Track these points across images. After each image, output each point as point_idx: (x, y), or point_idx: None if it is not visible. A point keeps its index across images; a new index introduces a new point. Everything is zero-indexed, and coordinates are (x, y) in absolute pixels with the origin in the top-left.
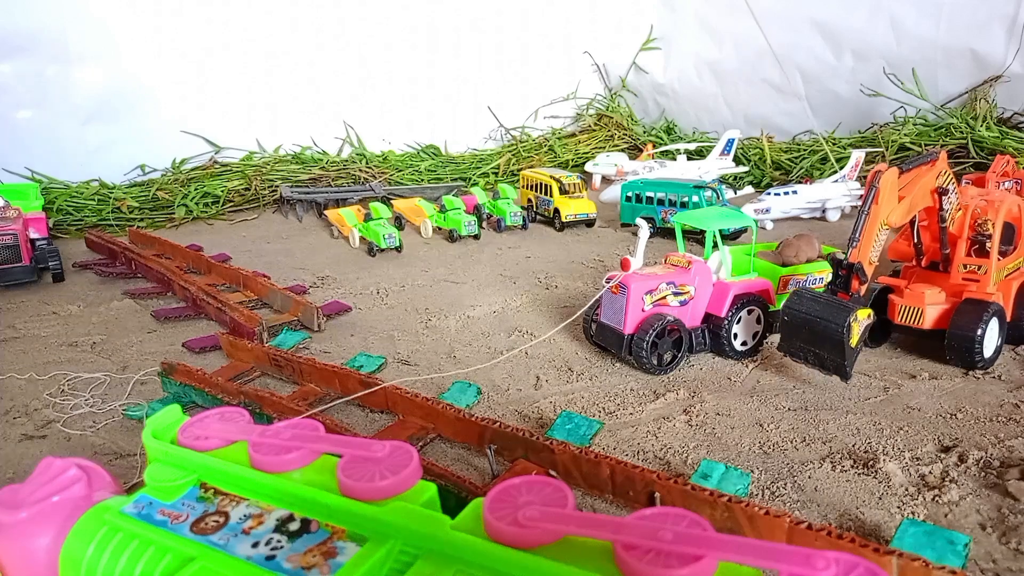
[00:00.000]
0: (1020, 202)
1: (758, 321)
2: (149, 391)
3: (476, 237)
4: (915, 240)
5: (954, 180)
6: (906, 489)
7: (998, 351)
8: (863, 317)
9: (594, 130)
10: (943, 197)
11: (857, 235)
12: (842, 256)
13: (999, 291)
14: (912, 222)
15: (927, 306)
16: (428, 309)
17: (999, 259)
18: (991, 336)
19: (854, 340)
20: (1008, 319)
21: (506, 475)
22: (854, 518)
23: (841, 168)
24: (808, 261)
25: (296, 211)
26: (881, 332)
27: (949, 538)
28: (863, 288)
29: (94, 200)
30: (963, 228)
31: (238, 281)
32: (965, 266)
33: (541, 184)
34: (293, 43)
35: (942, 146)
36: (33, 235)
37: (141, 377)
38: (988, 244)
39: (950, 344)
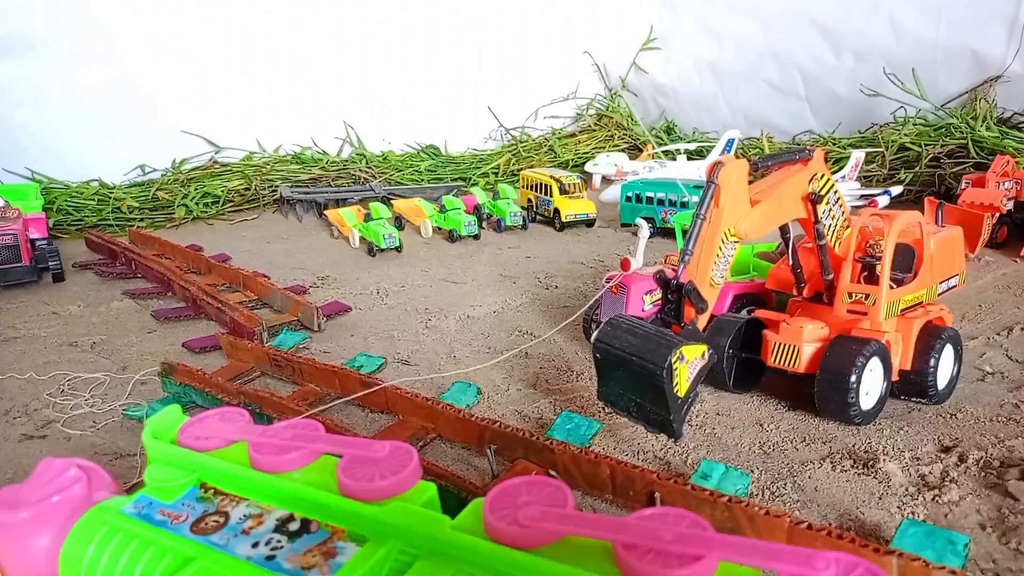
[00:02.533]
0: (920, 219)
1: None
2: (149, 391)
3: (476, 237)
4: (792, 263)
5: (836, 189)
6: (906, 489)
7: (882, 402)
8: (693, 356)
9: (594, 130)
10: (818, 206)
11: (691, 247)
12: (671, 275)
13: (898, 331)
14: (786, 240)
15: (804, 344)
16: (428, 309)
17: (892, 287)
18: (872, 382)
19: (681, 387)
20: (909, 367)
21: (506, 475)
22: (854, 518)
23: (841, 168)
24: None
25: (296, 211)
26: (753, 374)
27: (949, 538)
28: (702, 317)
29: (94, 200)
30: (850, 248)
31: (238, 281)
32: (850, 295)
33: (541, 184)
34: (293, 43)
35: (942, 146)
36: (33, 235)
37: (141, 377)
38: (878, 268)
39: (819, 390)
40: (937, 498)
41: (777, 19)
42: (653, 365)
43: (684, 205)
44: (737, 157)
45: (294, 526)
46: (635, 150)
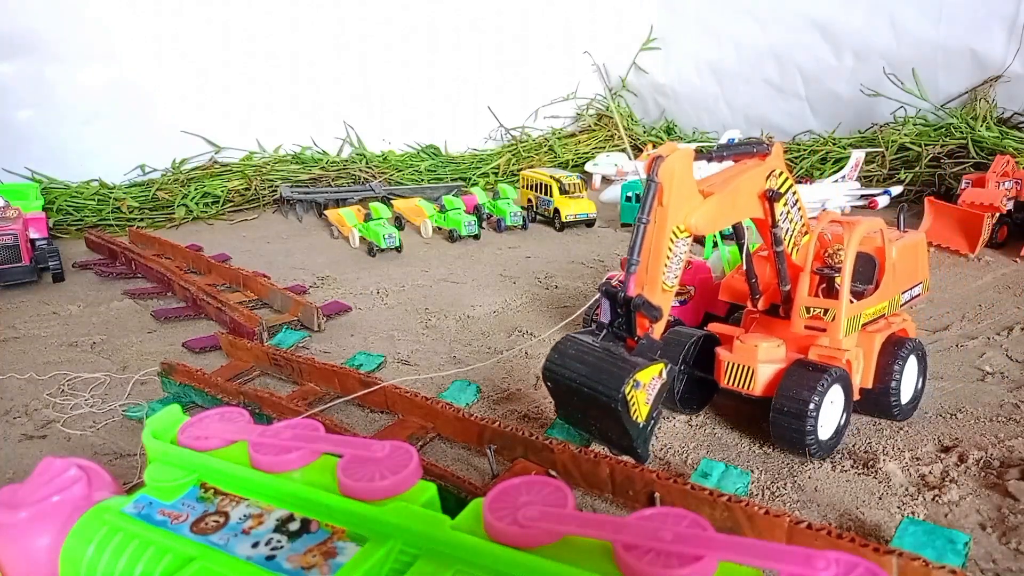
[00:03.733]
0: (882, 226)
1: None
2: (149, 391)
3: (476, 237)
4: (747, 271)
5: (796, 189)
6: (906, 489)
7: (841, 432)
8: (648, 379)
9: (594, 130)
10: (775, 205)
11: (635, 255)
12: (618, 287)
13: (859, 347)
14: (740, 246)
15: (759, 364)
16: (428, 309)
17: (852, 301)
18: (831, 413)
19: (640, 413)
20: (871, 385)
21: (506, 475)
22: (854, 518)
23: (841, 168)
24: None
25: (296, 211)
26: (705, 393)
27: (949, 537)
28: (657, 326)
29: (94, 200)
30: (807, 258)
31: (238, 281)
32: (808, 309)
33: (541, 184)
34: (293, 43)
35: (942, 146)
36: (33, 235)
37: (141, 377)
38: (837, 280)
39: (775, 420)
40: (937, 498)
41: (777, 19)
42: (606, 398)
43: None
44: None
45: (294, 526)
46: (635, 150)
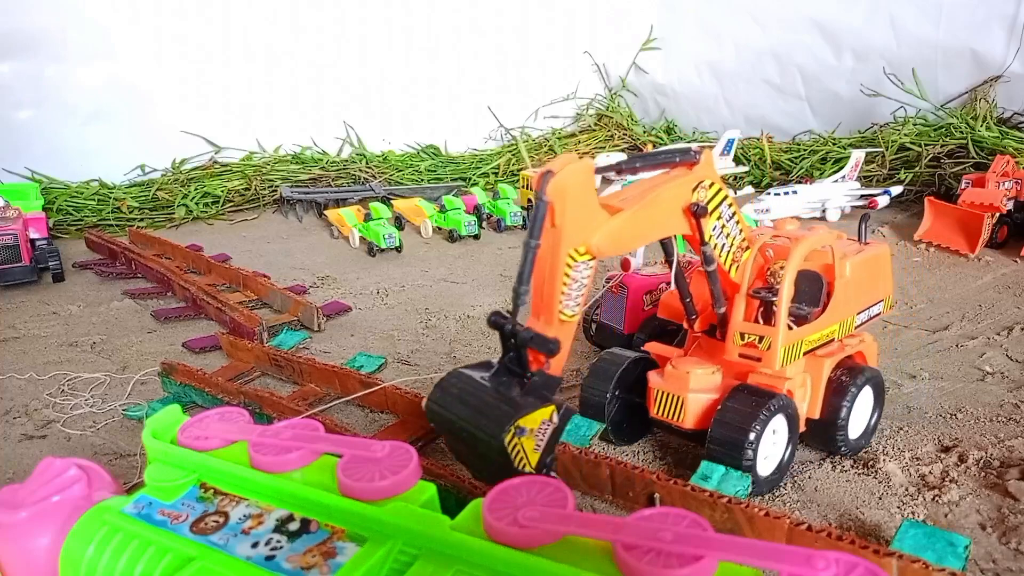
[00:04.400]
0: (832, 241)
1: None
2: (149, 391)
3: (476, 237)
4: (680, 291)
5: (732, 201)
6: (906, 489)
7: (784, 466)
8: (537, 423)
9: (594, 130)
10: (703, 220)
11: (525, 283)
12: (506, 318)
13: (806, 372)
14: (670, 263)
15: (690, 394)
16: (428, 309)
17: (792, 326)
18: (773, 443)
19: (528, 462)
20: (817, 415)
21: None
22: (854, 518)
23: (841, 168)
24: None
25: (296, 211)
26: (638, 425)
27: (949, 540)
28: (555, 362)
29: (94, 200)
30: (745, 277)
31: (238, 281)
32: (743, 335)
33: None
34: (293, 43)
35: (942, 146)
36: (33, 235)
37: (141, 377)
38: (774, 303)
39: (710, 453)
40: (937, 498)
41: (777, 19)
42: (487, 448)
43: None
44: (580, 156)
45: (294, 526)
46: (635, 150)
